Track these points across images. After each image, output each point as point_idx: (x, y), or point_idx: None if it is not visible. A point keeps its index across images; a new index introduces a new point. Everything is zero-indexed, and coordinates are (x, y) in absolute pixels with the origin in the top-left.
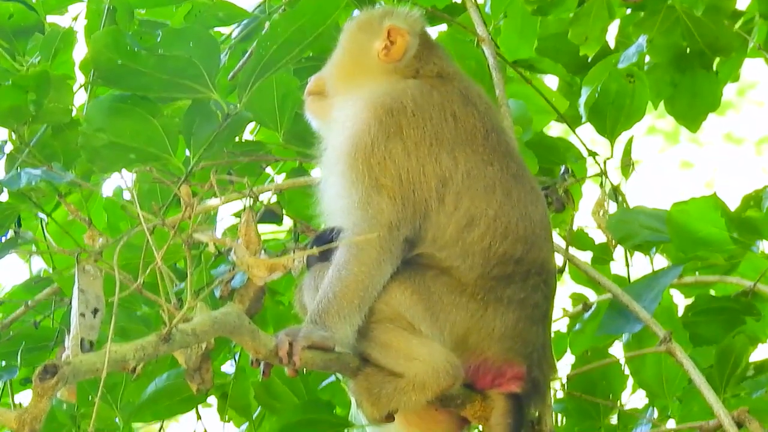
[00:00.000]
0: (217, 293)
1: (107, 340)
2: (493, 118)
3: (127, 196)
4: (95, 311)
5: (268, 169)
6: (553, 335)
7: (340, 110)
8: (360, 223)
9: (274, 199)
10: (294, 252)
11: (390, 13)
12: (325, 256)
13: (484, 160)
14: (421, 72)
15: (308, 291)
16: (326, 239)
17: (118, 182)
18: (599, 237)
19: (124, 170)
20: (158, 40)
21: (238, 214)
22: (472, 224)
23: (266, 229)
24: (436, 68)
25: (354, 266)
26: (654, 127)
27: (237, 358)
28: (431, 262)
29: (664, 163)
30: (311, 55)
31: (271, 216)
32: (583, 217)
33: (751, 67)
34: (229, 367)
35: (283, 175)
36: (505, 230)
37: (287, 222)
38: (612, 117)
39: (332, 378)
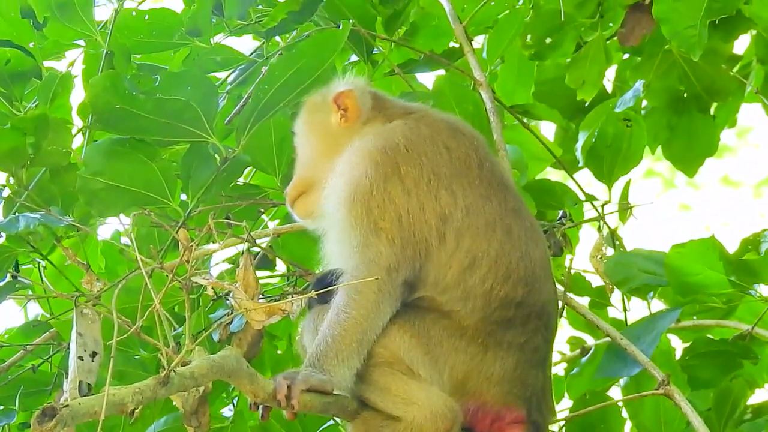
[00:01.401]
0: (216, 337)
1: (105, 384)
2: (482, 146)
3: (125, 239)
4: (93, 354)
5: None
6: (551, 378)
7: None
8: (359, 267)
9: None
10: (292, 296)
11: (328, 88)
12: (325, 299)
13: (482, 195)
14: (392, 115)
15: (308, 333)
16: (326, 282)
17: (116, 226)
18: (597, 281)
19: (122, 214)
20: (156, 83)
21: (231, 260)
22: (474, 265)
23: (260, 274)
24: (403, 108)
25: (353, 309)
26: (652, 170)
27: (235, 402)
28: (432, 305)
29: (662, 207)
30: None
31: (264, 261)
32: (581, 261)
33: (749, 111)
34: (227, 411)
35: (277, 221)
36: (506, 271)
37: (280, 266)
38: (609, 161)
39: (331, 422)
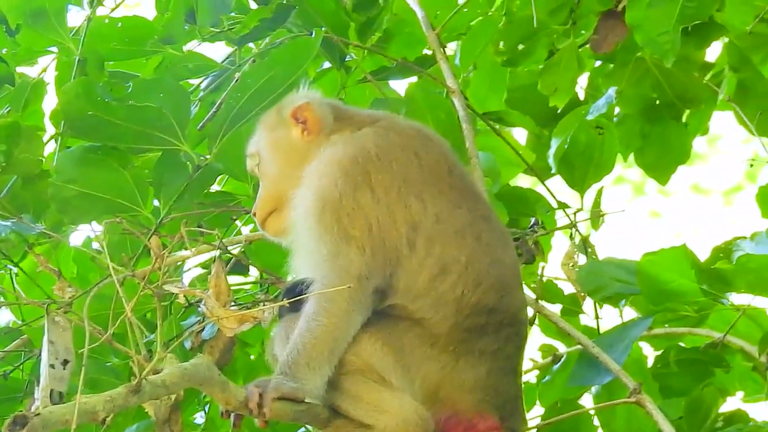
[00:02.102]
0: (187, 345)
1: (77, 392)
2: (451, 153)
3: (96, 246)
4: (65, 362)
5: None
6: (522, 386)
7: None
8: (329, 275)
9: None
10: (264, 303)
11: (282, 104)
12: (296, 307)
13: (452, 202)
14: (360, 123)
15: (279, 341)
16: (297, 291)
17: (88, 233)
18: (569, 288)
19: (94, 221)
20: (129, 91)
21: (204, 265)
22: (445, 272)
23: (233, 281)
24: (369, 117)
25: (323, 318)
26: (623, 177)
27: (207, 410)
28: (404, 314)
29: (633, 214)
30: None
31: (237, 267)
32: (553, 269)
33: (719, 118)
34: (199, 418)
35: (251, 226)
36: (477, 278)
37: (253, 273)
38: (581, 169)
39: (302, 430)
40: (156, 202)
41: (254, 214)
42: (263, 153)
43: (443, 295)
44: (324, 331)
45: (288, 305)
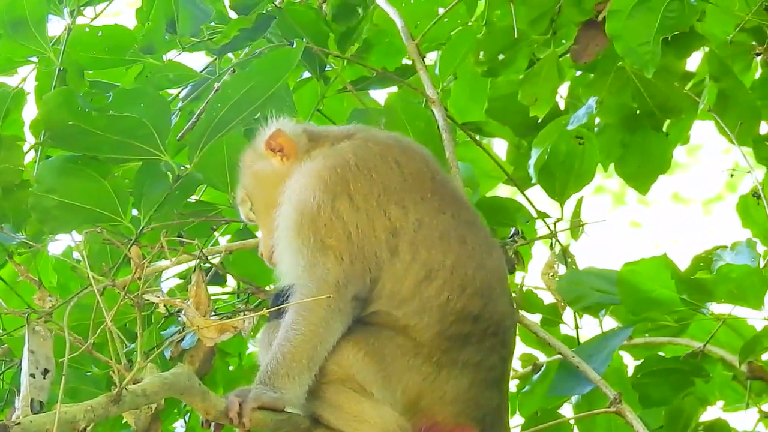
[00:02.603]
0: (168, 354)
1: (57, 401)
2: (432, 161)
3: (77, 256)
4: (45, 372)
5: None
6: (507, 395)
7: None
8: (307, 285)
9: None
10: (244, 313)
11: (255, 141)
12: (282, 315)
13: (435, 208)
14: (337, 138)
15: (262, 348)
16: (281, 300)
17: (68, 242)
18: (549, 298)
19: (74, 231)
20: (109, 101)
21: (182, 275)
22: (430, 277)
23: (211, 290)
24: (346, 131)
25: (302, 326)
26: (602, 187)
27: (187, 419)
28: (388, 322)
29: (612, 224)
30: (261, 116)
31: (215, 278)
32: (533, 279)
33: (699, 128)
34: (179, 429)
35: (228, 236)
36: (462, 282)
37: (231, 283)
38: (561, 179)
39: None
40: (136, 212)
41: (262, 255)
42: (251, 193)
43: (428, 300)
44: (302, 340)
45: (274, 313)
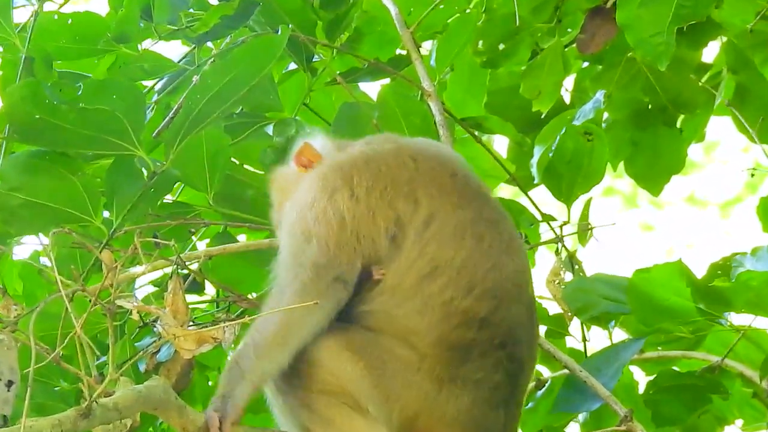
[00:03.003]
0: (142, 367)
1: (22, 415)
2: (456, 159)
3: (44, 260)
4: (9, 384)
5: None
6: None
7: None
8: (286, 271)
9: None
10: (224, 323)
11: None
12: None
13: (453, 203)
14: (357, 143)
15: None
16: None
17: (35, 246)
18: (554, 308)
19: (41, 233)
20: (79, 92)
21: (157, 283)
22: (435, 274)
23: (189, 299)
24: (369, 137)
25: (275, 307)
26: (612, 188)
27: None
28: (388, 327)
29: (623, 227)
30: (243, 110)
31: (192, 285)
32: (537, 287)
33: (716, 124)
34: None
35: (207, 240)
36: (469, 282)
37: (210, 291)
38: (568, 179)
39: None
40: (107, 214)
41: None
42: (280, 211)
43: (431, 297)
44: (274, 322)
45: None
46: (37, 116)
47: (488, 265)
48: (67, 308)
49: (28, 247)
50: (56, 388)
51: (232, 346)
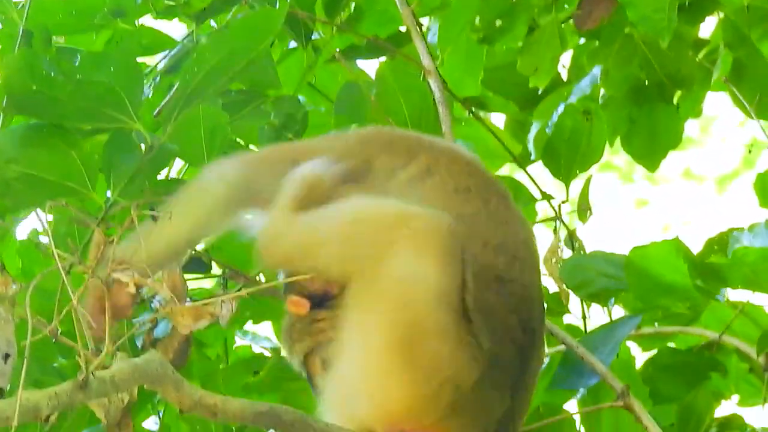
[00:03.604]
0: (139, 343)
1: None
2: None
3: (43, 240)
4: (6, 356)
5: None
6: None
7: None
8: None
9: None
10: (222, 299)
11: None
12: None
13: (456, 171)
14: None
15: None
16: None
17: (34, 224)
18: (553, 287)
19: (39, 208)
20: (76, 64)
21: None
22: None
23: (193, 278)
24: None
25: None
26: (610, 164)
27: (161, 415)
28: None
29: (620, 203)
30: (243, 89)
31: (198, 265)
32: None
33: (711, 100)
34: (152, 424)
35: None
36: (484, 236)
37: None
38: (567, 157)
39: None
40: (109, 194)
41: None
42: None
43: None
44: None
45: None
46: (35, 87)
47: (497, 221)
48: (63, 280)
49: (27, 225)
50: (54, 365)
51: (237, 325)
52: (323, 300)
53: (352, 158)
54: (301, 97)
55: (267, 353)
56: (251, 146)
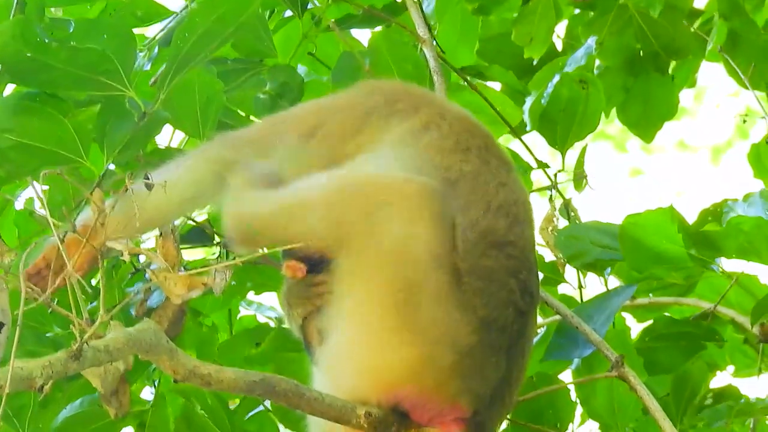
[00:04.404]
0: (133, 312)
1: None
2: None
3: (37, 204)
4: (0, 325)
5: None
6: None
7: None
8: None
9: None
10: (215, 268)
11: None
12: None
13: (454, 130)
14: None
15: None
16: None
17: (30, 193)
18: (549, 256)
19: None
20: (70, 31)
21: None
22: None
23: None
24: None
25: None
26: (604, 133)
27: (156, 385)
28: None
29: (614, 173)
30: (239, 58)
31: (200, 236)
32: None
33: (707, 70)
34: (147, 394)
35: None
36: (485, 195)
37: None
38: (563, 126)
39: (260, 407)
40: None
41: None
42: None
43: None
44: None
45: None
46: (28, 54)
47: (496, 182)
48: (59, 247)
49: (24, 195)
50: (48, 335)
51: (226, 293)
52: (320, 264)
53: (353, 110)
54: (302, 67)
55: (272, 323)
56: (249, 115)
